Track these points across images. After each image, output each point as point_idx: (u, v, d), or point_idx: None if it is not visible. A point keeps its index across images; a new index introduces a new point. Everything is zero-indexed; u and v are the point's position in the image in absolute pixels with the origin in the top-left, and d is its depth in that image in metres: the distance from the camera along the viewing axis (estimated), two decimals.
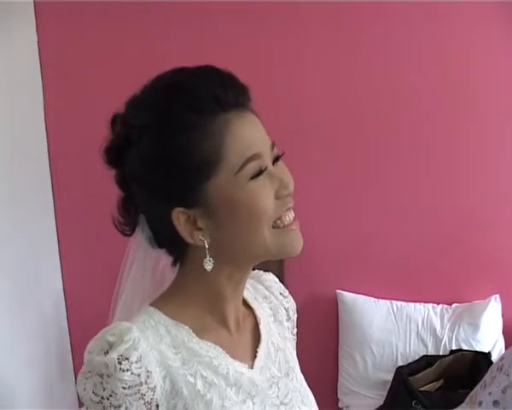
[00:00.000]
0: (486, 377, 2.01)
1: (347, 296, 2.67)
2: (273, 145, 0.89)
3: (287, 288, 1.10)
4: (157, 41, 2.51)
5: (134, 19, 2.52)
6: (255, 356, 0.95)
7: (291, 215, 0.89)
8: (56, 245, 2.65)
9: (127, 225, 0.92)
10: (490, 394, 1.91)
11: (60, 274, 2.67)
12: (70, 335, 2.70)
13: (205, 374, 0.86)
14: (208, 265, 0.87)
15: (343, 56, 2.57)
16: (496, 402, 1.89)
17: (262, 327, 0.99)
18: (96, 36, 2.54)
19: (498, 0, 2.50)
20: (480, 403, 1.92)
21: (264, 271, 1.09)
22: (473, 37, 2.53)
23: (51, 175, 2.61)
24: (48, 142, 2.59)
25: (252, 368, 0.93)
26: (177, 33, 2.51)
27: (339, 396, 2.69)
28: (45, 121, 2.57)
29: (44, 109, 2.57)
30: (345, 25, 2.54)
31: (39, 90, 2.54)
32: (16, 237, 2.28)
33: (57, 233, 2.65)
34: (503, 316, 2.63)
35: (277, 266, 2.42)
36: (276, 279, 1.11)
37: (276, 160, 0.89)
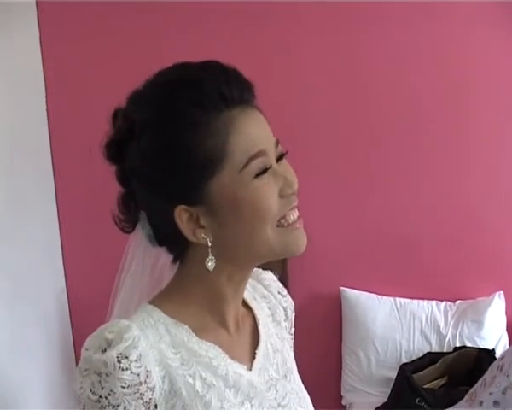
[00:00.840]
0: (487, 376, 2.00)
1: (351, 293, 2.67)
2: (277, 143, 0.88)
3: (290, 286, 1.10)
4: (157, 41, 2.51)
5: (135, 19, 2.52)
6: (254, 357, 0.94)
7: (295, 214, 0.87)
8: (59, 244, 2.65)
9: (127, 222, 0.91)
10: (490, 394, 1.91)
11: (62, 273, 2.67)
12: (73, 334, 2.69)
13: (204, 375, 0.85)
14: (211, 264, 0.86)
15: (342, 56, 2.57)
16: (496, 403, 1.89)
17: (261, 328, 0.98)
18: (97, 35, 2.54)
19: (498, 0, 2.50)
20: (481, 403, 1.92)
21: (266, 269, 1.07)
22: (471, 37, 2.53)
23: (54, 174, 2.62)
24: (50, 141, 2.59)
25: (250, 370, 0.92)
26: (177, 33, 2.52)
27: (342, 393, 2.69)
28: (48, 121, 2.58)
29: (47, 109, 2.57)
30: (344, 25, 2.54)
31: (41, 90, 2.55)
32: (19, 236, 2.27)
33: (60, 232, 2.65)
34: (506, 313, 2.62)
35: (281, 265, 2.42)
36: (275, 278, 1.09)
37: (280, 158, 0.88)
